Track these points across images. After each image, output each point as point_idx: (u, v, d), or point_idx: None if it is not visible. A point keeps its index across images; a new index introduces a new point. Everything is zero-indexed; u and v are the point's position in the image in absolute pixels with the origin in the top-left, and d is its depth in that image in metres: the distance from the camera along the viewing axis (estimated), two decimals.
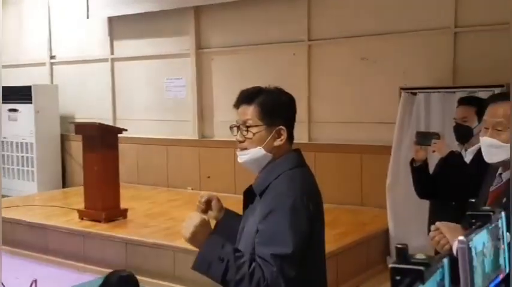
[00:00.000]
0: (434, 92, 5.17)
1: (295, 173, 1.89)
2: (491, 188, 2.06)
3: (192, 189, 7.18)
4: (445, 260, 1.21)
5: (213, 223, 1.99)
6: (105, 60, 8.13)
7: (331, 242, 4.44)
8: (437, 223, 2.09)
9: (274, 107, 1.91)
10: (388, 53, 5.97)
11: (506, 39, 4.96)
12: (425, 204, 3.52)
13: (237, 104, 1.95)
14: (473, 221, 1.56)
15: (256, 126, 1.90)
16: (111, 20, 8.01)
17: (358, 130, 6.15)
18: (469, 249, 1.46)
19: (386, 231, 5.39)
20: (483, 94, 4.23)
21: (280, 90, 1.97)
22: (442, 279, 1.19)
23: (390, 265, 1.12)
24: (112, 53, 8.10)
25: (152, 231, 5.31)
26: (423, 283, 1.10)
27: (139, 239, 5.10)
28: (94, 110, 8.03)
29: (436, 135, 3.27)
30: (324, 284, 2.02)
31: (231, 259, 1.76)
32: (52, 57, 8.76)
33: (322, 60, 6.42)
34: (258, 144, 1.90)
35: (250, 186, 1.97)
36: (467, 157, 3.17)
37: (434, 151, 3.29)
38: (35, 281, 3.22)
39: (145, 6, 7.36)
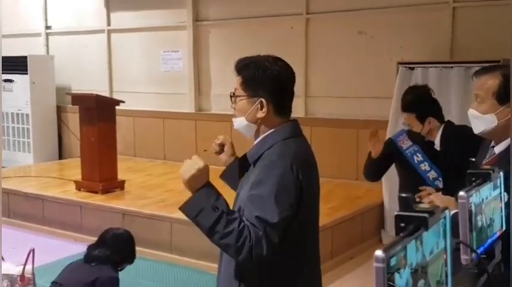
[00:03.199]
0: (431, 67, 5.18)
1: (287, 143, 1.91)
2: (484, 161, 2.10)
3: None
4: (447, 212, 1.25)
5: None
6: (102, 31, 8.07)
7: (325, 215, 4.50)
8: (431, 196, 2.14)
9: (255, 78, 1.91)
10: (385, 27, 5.95)
11: (504, 14, 4.95)
12: None
13: (235, 73, 2.00)
14: (474, 179, 1.62)
15: (239, 96, 1.95)
16: None
17: (354, 105, 6.17)
18: (469, 204, 1.51)
19: (381, 205, 5.46)
20: None
21: (275, 61, 1.95)
22: (444, 228, 1.24)
23: (395, 213, 1.16)
24: (108, 25, 8.04)
25: (149, 202, 5.35)
26: (427, 229, 1.14)
27: (137, 210, 5.14)
28: (90, 82, 7.99)
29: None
30: (316, 254, 2.05)
31: (224, 210, 1.79)
32: (48, 27, 8.68)
33: (320, 34, 6.39)
34: (242, 114, 1.95)
35: (245, 154, 2.01)
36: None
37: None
38: (33, 250, 3.25)
39: None
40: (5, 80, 8.30)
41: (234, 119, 1.99)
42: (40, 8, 8.66)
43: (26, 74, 8.12)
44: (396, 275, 1.03)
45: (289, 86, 1.97)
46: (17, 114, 8.30)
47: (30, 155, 8.23)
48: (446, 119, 3.29)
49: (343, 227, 4.94)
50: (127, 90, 7.72)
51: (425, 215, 1.14)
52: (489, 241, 1.65)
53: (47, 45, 8.72)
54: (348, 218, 5.05)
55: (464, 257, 1.50)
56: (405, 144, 3.39)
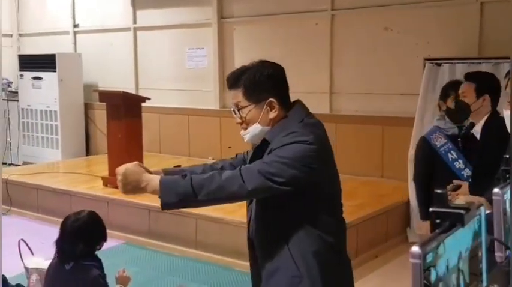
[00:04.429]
0: (459, 63, 5.10)
1: (308, 122, 1.98)
2: None
3: (213, 159, 7.23)
4: (482, 208, 1.25)
5: None
6: (128, 29, 8.16)
7: (349, 213, 4.47)
8: (461, 197, 2.12)
9: (257, 84, 1.97)
10: (411, 23, 5.88)
11: None
12: None
13: (229, 89, 2.04)
14: (508, 175, 1.61)
15: (246, 107, 1.99)
16: None
17: (380, 102, 6.11)
18: (504, 201, 1.50)
19: (406, 203, 5.40)
20: (509, 66, 4.16)
21: (263, 64, 2.02)
22: (480, 225, 1.24)
23: (431, 209, 1.16)
24: (135, 23, 8.12)
25: None
26: (463, 226, 1.13)
27: None
28: (117, 79, 8.09)
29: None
30: (339, 230, 2.06)
31: (191, 175, 1.88)
32: (75, 25, 8.80)
33: (345, 31, 6.35)
34: (254, 121, 1.99)
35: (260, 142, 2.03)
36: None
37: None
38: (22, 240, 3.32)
39: None
40: (34, 78, 8.46)
41: (244, 132, 2.02)
42: (68, 7, 8.79)
43: (55, 71, 8.25)
44: (432, 271, 1.03)
45: (285, 78, 2.04)
46: (46, 111, 8.44)
47: (58, 151, 8.36)
48: None
49: (368, 225, 4.91)
50: (153, 88, 7.79)
51: (462, 211, 1.14)
52: None
53: (75, 43, 8.85)
54: (372, 215, 5.01)
55: (498, 255, 1.49)
56: (439, 141, 3.36)
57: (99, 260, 2.81)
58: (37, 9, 9.16)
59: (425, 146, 3.43)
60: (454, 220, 1.13)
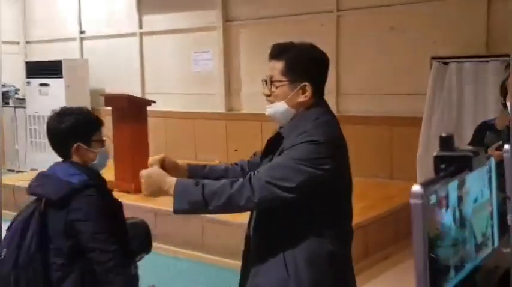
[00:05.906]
0: (466, 61, 5.04)
1: (322, 120, 1.93)
2: None
3: (220, 162, 7.18)
4: (492, 159, 1.14)
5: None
6: (134, 34, 8.16)
7: (357, 215, 4.40)
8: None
9: (299, 64, 1.92)
10: (417, 22, 5.83)
11: None
12: None
13: (269, 58, 1.99)
14: None
15: (279, 81, 1.93)
16: None
17: (387, 102, 6.06)
18: None
19: None
20: None
21: (312, 47, 1.98)
22: (490, 174, 1.11)
23: (434, 154, 1.03)
24: (140, 27, 8.12)
25: None
26: (471, 170, 1.01)
27: (169, 209, 5.11)
28: (123, 84, 8.08)
29: None
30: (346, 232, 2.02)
31: (204, 181, 1.86)
32: (82, 32, 8.82)
33: (351, 31, 6.31)
34: (282, 99, 1.94)
35: (275, 135, 2.00)
36: None
37: None
38: None
39: None
40: (41, 84, 8.48)
41: (269, 106, 1.97)
42: (74, 13, 8.82)
43: (61, 77, 8.25)
44: (437, 212, 0.89)
45: (327, 70, 1.99)
46: None
47: None
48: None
49: (377, 226, 4.84)
50: (159, 92, 7.78)
51: (470, 154, 1.02)
52: None
53: (81, 49, 8.87)
54: (381, 216, 4.95)
55: (510, 218, 1.38)
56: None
57: None
58: (44, 16, 9.19)
59: (486, 127, 3.38)
60: (462, 164, 1.00)
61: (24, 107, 8.80)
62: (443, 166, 1.01)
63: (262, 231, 1.97)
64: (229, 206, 1.81)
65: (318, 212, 1.87)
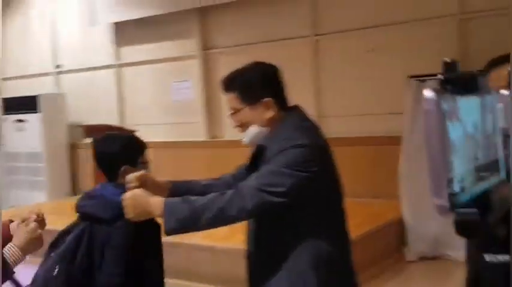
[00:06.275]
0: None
1: (303, 126, 1.96)
2: None
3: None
4: (503, 91, 1.13)
5: None
6: (112, 66, 8.15)
7: (352, 231, 4.40)
8: None
9: (250, 86, 1.96)
10: (394, 43, 5.97)
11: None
12: None
13: (224, 93, 2.02)
14: None
15: (241, 109, 1.96)
16: (115, 26, 8.03)
17: (368, 122, 6.13)
18: None
19: (400, 221, 5.35)
20: None
21: (256, 64, 2.03)
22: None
23: (439, 76, 1.04)
24: (118, 59, 8.12)
25: None
26: (477, 89, 1.02)
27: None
28: (102, 117, 8.02)
29: None
30: (343, 234, 2.01)
31: (192, 197, 1.84)
32: (57, 66, 8.78)
33: (329, 55, 6.41)
34: (252, 123, 1.96)
35: (257, 147, 2.01)
36: None
37: None
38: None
39: (148, 11, 7.39)
40: (18, 121, 8.37)
41: (244, 135, 1.98)
42: (49, 48, 8.79)
43: (38, 112, 8.17)
44: (449, 125, 0.88)
45: (280, 78, 2.02)
46: (30, 153, 8.32)
47: (43, 193, 8.20)
48: None
49: (365, 243, 4.84)
50: (139, 123, 7.73)
51: (477, 73, 1.02)
52: None
53: (58, 84, 8.81)
54: (372, 232, 4.97)
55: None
56: None
57: None
58: (19, 53, 9.14)
59: None
60: (468, 82, 1.00)
61: (2, 144, 8.67)
62: (448, 86, 1.01)
63: (265, 245, 1.95)
64: (222, 218, 1.79)
65: (312, 214, 1.87)
